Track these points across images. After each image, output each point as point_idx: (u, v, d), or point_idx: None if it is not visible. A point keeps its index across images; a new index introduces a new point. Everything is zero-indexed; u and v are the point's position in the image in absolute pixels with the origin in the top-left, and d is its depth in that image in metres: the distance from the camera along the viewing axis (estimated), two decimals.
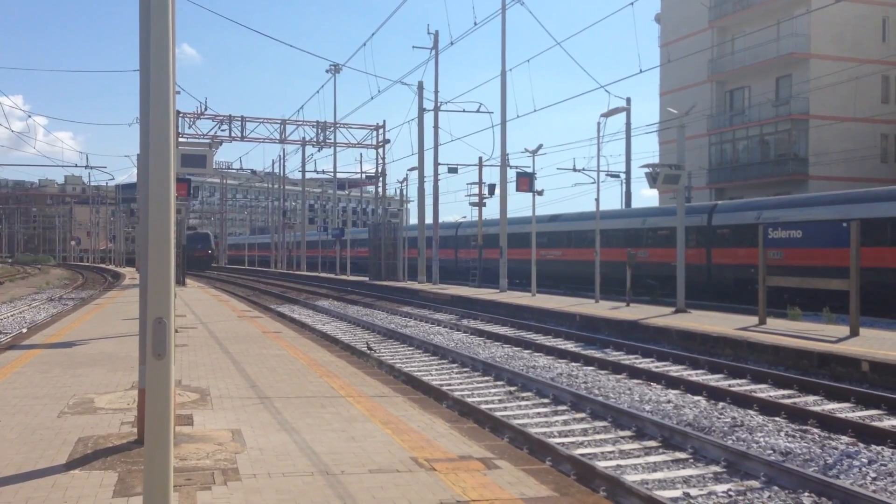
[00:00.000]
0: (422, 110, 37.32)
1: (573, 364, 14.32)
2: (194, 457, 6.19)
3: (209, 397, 8.70)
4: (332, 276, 50.35)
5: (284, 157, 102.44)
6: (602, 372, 13.46)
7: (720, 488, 7.08)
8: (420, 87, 37.35)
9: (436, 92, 36.17)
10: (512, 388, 11.99)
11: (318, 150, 51.26)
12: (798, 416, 9.68)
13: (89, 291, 40.24)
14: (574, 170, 42.08)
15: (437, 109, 36.24)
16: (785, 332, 15.68)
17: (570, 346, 16.68)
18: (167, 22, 4.29)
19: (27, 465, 5.93)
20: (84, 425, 7.26)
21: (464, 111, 36.98)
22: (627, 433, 9.08)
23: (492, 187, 39.47)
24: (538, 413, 10.32)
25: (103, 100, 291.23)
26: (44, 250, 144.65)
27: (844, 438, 8.71)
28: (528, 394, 11.52)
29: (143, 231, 5.08)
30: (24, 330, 19.84)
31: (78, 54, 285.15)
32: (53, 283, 53.31)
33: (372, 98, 69.50)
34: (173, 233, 4.30)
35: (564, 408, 10.51)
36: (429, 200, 38.46)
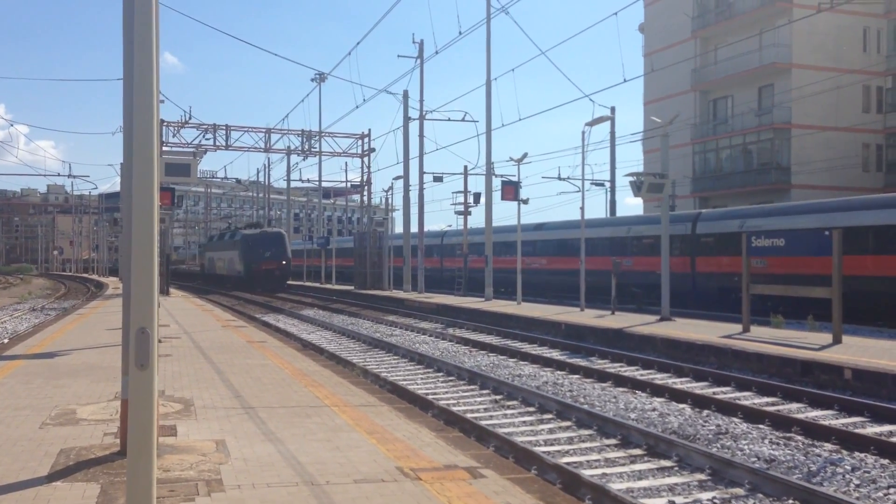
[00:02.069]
0: (407, 119, 37.36)
1: (559, 372, 14.33)
2: (178, 468, 6.15)
3: (193, 408, 8.64)
4: (317, 284, 50.21)
5: (269, 165, 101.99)
6: (587, 380, 13.48)
7: (705, 496, 7.09)
8: (405, 95, 37.39)
9: (421, 101, 36.28)
10: (497, 397, 11.98)
11: (304, 159, 51.20)
12: (782, 423, 9.73)
13: (72, 301, 39.95)
14: (559, 178, 42.29)
15: (422, 118, 36.31)
16: (769, 339, 15.77)
17: (555, 354, 16.69)
18: (151, 30, 4.28)
19: (8, 477, 5.87)
20: (66, 436, 7.19)
21: (449, 120, 37.07)
22: (613, 441, 9.09)
23: (477, 196, 39.54)
24: (524, 422, 10.31)
25: (86, 109, 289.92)
26: (26, 260, 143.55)
27: (828, 446, 8.76)
28: (514, 402, 11.52)
29: (127, 240, 5.05)
30: (6, 340, 19.66)
31: (60, 63, 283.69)
32: (35, 293, 52.91)
33: (357, 107, 69.62)
34: (157, 242, 4.28)
35: (550, 416, 10.51)
36: (414, 209, 38.50)
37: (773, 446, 8.75)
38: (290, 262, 51.07)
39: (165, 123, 40.79)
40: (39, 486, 5.65)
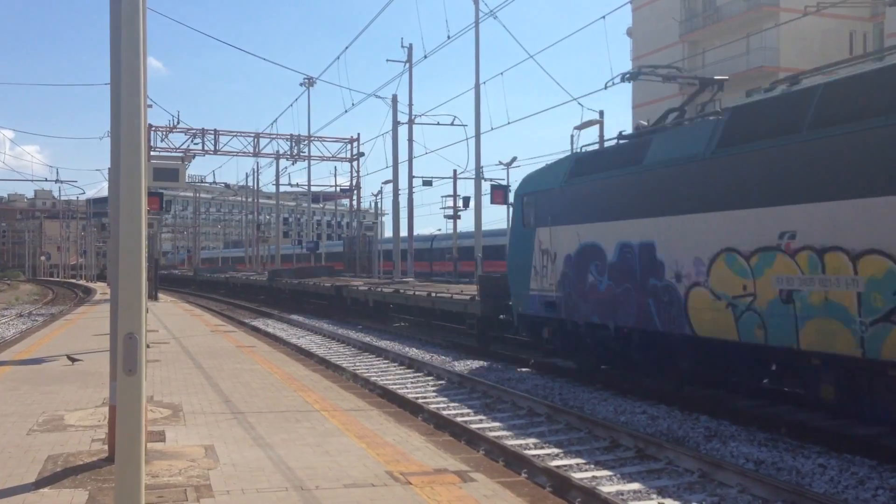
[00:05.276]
0: (396, 123, 37.33)
1: (548, 375, 14.33)
2: (166, 473, 6.12)
3: (182, 413, 8.61)
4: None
5: (258, 170, 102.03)
6: (577, 383, 13.48)
7: (695, 498, 7.11)
8: (394, 100, 37.37)
9: (410, 105, 36.24)
10: (487, 401, 11.97)
11: (293, 164, 51.04)
12: (771, 425, 9.75)
13: (59, 307, 39.72)
14: None
15: (411, 122, 36.29)
16: None
17: (545, 357, 16.66)
18: (138, 35, 4.27)
19: None
20: (54, 443, 7.15)
21: (438, 124, 37.07)
22: (603, 444, 9.10)
23: (466, 200, 39.60)
24: (514, 425, 10.31)
25: (73, 113, 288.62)
26: (13, 266, 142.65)
27: (817, 447, 8.79)
28: (504, 406, 11.51)
29: (115, 246, 5.03)
30: None
31: (46, 67, 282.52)
32: (23, 299, 52.61)
33: (346, 111, 69.74)
34: (145, 247, 4.27)
35: (540, 420, 10.52)
36: (403, 213, 38.39)
37: (763, 448, 8.78)
38: None
39: (153, 128, 40.65)
40: (27, 493, 5.62)
